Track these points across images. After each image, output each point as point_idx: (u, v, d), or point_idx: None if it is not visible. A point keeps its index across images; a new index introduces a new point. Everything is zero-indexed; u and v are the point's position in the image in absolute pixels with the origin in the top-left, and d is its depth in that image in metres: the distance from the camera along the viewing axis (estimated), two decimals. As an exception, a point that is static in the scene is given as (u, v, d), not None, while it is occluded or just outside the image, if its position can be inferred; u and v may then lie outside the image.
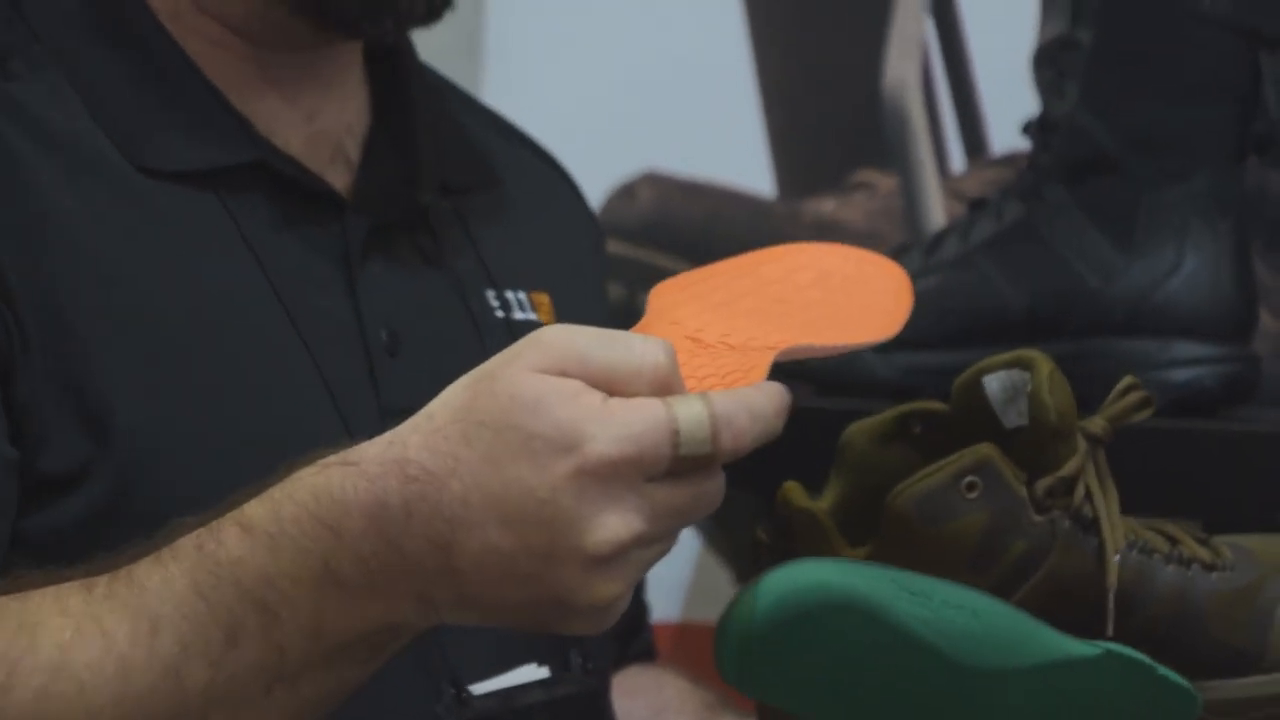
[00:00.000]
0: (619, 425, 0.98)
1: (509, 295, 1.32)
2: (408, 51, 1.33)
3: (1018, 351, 1.15)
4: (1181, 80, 1.51)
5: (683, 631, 1.73)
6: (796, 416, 1.54)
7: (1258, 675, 1.16)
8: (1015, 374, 1.15)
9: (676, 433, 0.98)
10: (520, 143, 1.44)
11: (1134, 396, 1.16)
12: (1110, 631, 1.13)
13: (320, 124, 1.27)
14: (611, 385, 1.00)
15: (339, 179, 1.27)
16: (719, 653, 1.06)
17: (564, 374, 1.00)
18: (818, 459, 1.23)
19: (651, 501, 0.99)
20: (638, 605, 1.47)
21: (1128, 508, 1.43)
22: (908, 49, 1.78)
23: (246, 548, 1.03)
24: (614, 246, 1.78)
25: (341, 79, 1.29)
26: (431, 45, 1.63)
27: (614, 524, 0.98)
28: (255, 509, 1.04)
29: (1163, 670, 1.10)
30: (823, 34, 1.82)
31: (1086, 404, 1.46)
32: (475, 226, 1.32)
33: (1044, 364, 1.15)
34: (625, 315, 1.75)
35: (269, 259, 1.22)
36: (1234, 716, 1.17)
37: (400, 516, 1.00)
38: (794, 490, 1.14)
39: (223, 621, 1.03)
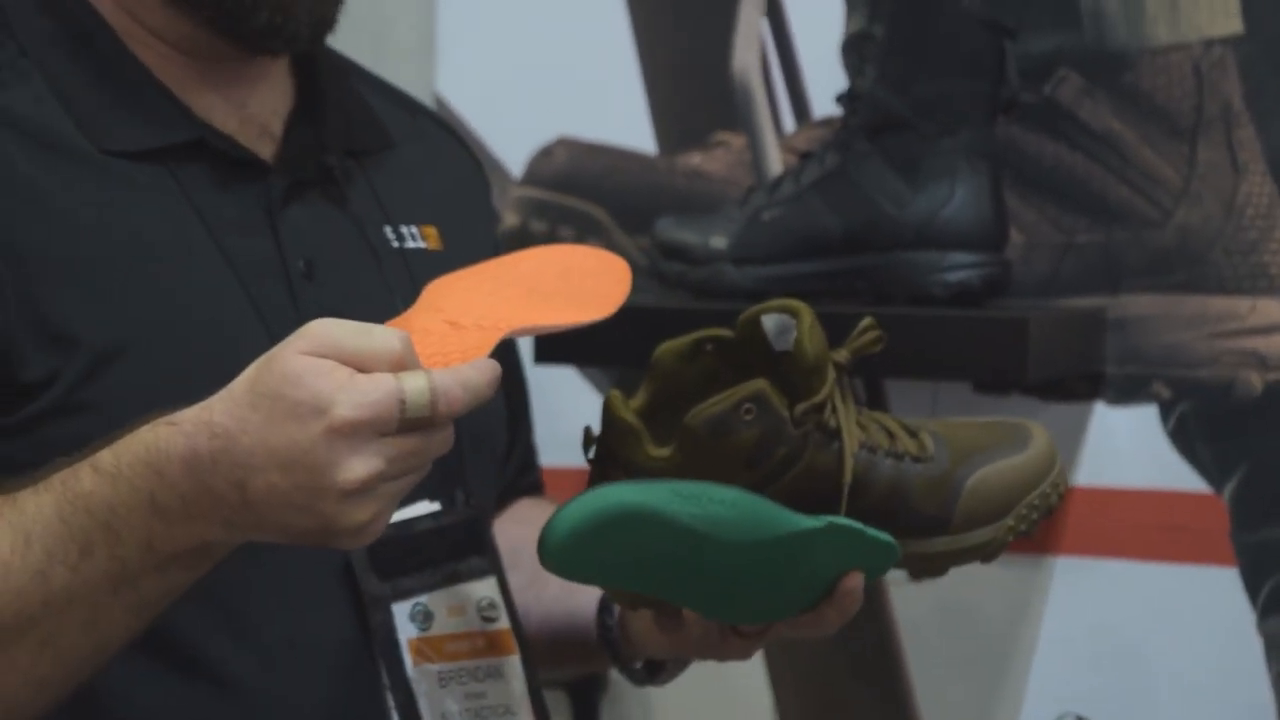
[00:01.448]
0: (359, 394, 1.10)
1: (402, 229, 1.42)
2: (319, 50, 1.42)
3: (785, 300, 1.25)
4: (949, 61, 1.72)
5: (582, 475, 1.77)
6: (679, 314, 1.70)
7: (945, 536, 1.29)
8: (784, 317, 1.24)
9: (403, 401, 1.11)
10: (421, 113, 1.53)
11: (870, 334, 1.27)
12: (844, 511, 1.25)
13: (249, 111, 1.37)
14: (359, 364, 1.12)
15: (265, 150, 1.36)
16: (542, 552, 1.20)
17: (322, 355, 1.11)
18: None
19: (387, 449, 1.11)
20: (527, 449, 1.57)
21: (925, 371, 1.70)
22: (749, 40, 1.89)
23: (95, 484, 1.16)
24: (537, 193, 1.95)
25: (264, 77, 1.38)
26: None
27: (357, 466, 1.11)
28: (104, 455, 1.16)
29: (871, 533, 1.25)
30: (687, 30, 1.93)
31: (889, 299, 1.71)
32: (374, 178, 1.41)
33: (806, 314, 1.24)
34: (549, 241, 1.91)
35: (208, 212, 1.32)
36: (928, 563, 1.29)
37: (208, 463, 1.13)
38: (615, 399, 1.25)
39: (78, 539, 1.16)
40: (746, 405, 1.22)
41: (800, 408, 1.23)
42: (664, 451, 1.23)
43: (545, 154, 1.97)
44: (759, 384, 1.22)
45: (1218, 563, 1.80)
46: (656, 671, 1.42)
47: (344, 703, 1.29)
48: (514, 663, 1.34)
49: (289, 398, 1.11)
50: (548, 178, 1.97)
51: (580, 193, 1.95)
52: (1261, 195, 1.77)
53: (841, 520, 1.24)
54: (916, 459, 1.27)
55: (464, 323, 1.19)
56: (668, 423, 1.25)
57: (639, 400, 1.27)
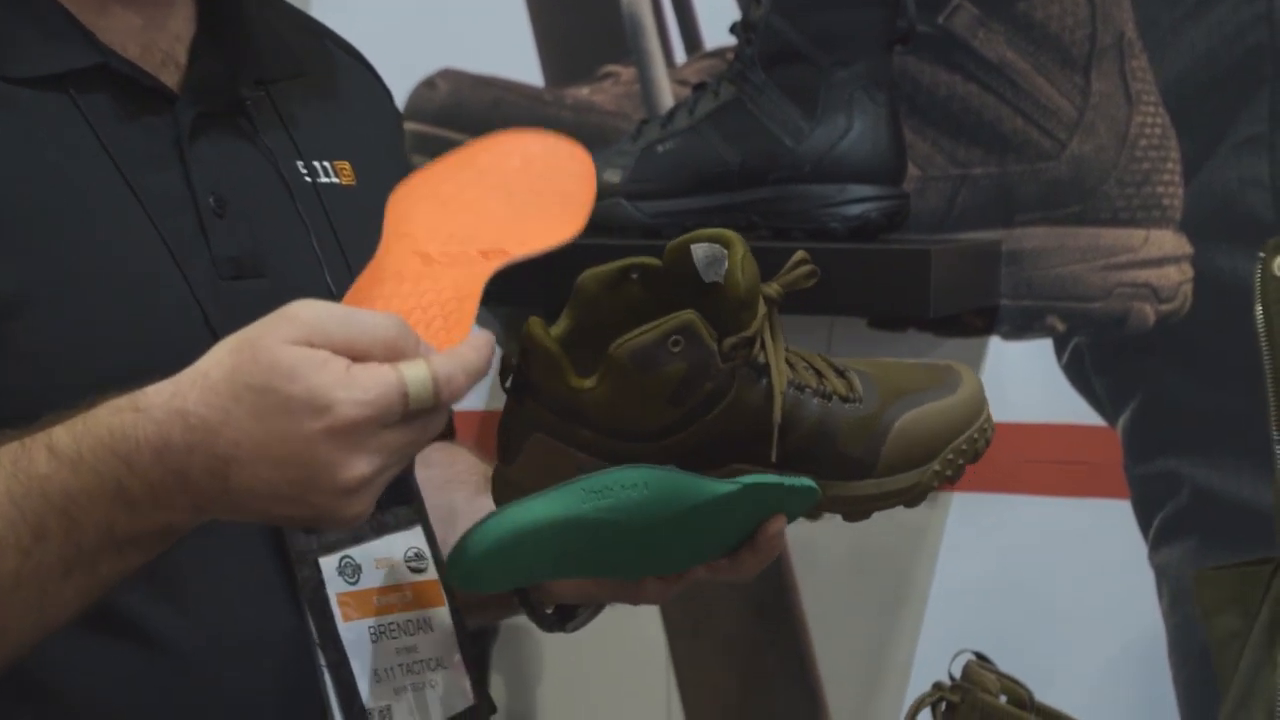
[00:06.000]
0: (360, 390, 1.06)
1: (315, 164, 1.37)
2: None
3: (718, 230, 1.22)
4: (844, -9, 1.71)
5: (484, 418, 1.86)
6: (573, 250, 1.52)
7: (870, 480, 1.26)
8: (715, 247, 1.21)
9: (406, 395, 1.07)
10: (330, 40, 1.49)
11: (803, 269, 1.24)
12: (774, 452, 1.22)
13: (151, 35, 1.32)
14: (353, 353, 1.07)
15: (170, 78, 1.32)
16: (452, 570, 1.19)
17: (311, 345, 1.07)
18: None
19: (388, 443, 1.09)
20: None
21: (822, 307, 1.69)
22: (639, -32, 1.88)
23: (53, 468, 1.11)
24: (419, 127, 1.93)
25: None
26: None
27: (360, 465, 1.08)
28: (61, 436, 1.12)
29: (790, 481, 1.23)
30: (573, -41, 1.93)
31: (786, 234, 1.71)
32: (286, 110, 1.37)
33: (739, 245, 1.20)
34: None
35: (113, 144, 1.27)
36: (851, 506, 1.27)
37: (183, 452, 1.09)
38: (536, 324, 1.21)
39: (31, 523, 1.12)
40: (675, 337, 1.19)
41: (729, 341, 1.20)
42: (588, 383, 1.20)
43: (428, 86, 1.96)
44: (688, 315, 1.19)
45: (1111, 495, 1.82)
46: (568, 617, 1.39)
47: (273, 659, 1.27)
48: (443, 614, 1.31)
49: (280, 392, 1.07)
50: (431, 111, 1.96)
51: (464, 127, 1.94)
52: (1154, 126, 1.78)
53: (758, 479, 1.22)
54: (844, 399, 1.25)
55: (434, 253, 1.14)
56: (587, 353, 1.22)
57: (560, 327, 1.23)
